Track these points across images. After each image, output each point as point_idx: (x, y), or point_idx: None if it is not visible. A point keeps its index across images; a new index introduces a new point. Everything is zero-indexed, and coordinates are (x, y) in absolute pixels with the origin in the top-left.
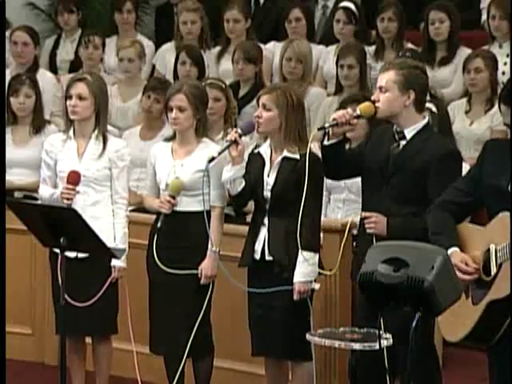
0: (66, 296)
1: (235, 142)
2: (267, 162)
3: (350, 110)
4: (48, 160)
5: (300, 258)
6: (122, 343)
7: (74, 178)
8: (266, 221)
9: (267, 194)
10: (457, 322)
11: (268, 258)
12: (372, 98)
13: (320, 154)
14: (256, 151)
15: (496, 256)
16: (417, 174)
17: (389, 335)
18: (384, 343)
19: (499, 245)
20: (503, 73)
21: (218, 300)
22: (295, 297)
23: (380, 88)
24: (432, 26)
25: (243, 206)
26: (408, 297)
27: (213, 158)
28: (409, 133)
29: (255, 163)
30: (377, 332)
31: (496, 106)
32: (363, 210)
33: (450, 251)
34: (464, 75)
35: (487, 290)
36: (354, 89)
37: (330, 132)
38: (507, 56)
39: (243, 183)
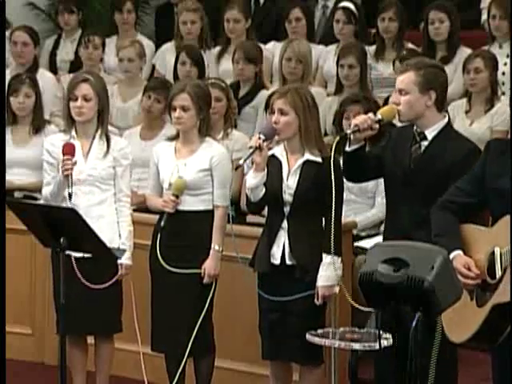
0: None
1: (259, 148)
2: (284, 164)
3: (371, 115)
4: (51, 160)
5: (325, 261)
6: (122, 343)
7: (70, 149)
8: (284, 224)
9: (287, 197)
10: (461, 323)
11: (289, 262)
12: (391, 100)
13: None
14: (270, 153)
15: (501, 259)
16: (440, 175)
17: (389, 335)
18: (384, 343)
19: (504, 248)
20: (503, 73)
21: (219, 299)
22: (319, 301)
23: (400, 91)
24: (432, 26)
25: (261, 211)
26: (408, 297)
27: (238, 166)
28: (430, 133)
29: (272, 166)
30: (377, 332)
31: (496, 107)
32: (387, 211)
33: (453, 254)
34: (464, 75)
35: (492, 293)
36: (354, 89)
37: (352, 137)
38: (507, 56)
39: (264, 189)
